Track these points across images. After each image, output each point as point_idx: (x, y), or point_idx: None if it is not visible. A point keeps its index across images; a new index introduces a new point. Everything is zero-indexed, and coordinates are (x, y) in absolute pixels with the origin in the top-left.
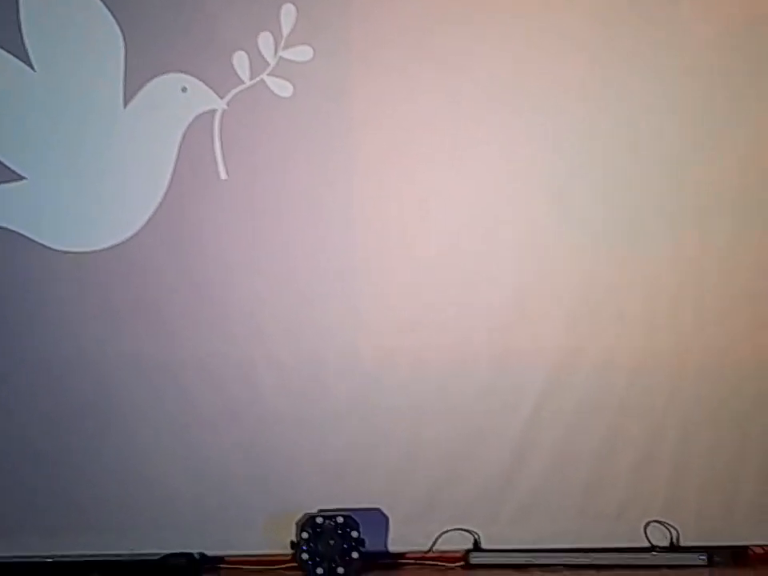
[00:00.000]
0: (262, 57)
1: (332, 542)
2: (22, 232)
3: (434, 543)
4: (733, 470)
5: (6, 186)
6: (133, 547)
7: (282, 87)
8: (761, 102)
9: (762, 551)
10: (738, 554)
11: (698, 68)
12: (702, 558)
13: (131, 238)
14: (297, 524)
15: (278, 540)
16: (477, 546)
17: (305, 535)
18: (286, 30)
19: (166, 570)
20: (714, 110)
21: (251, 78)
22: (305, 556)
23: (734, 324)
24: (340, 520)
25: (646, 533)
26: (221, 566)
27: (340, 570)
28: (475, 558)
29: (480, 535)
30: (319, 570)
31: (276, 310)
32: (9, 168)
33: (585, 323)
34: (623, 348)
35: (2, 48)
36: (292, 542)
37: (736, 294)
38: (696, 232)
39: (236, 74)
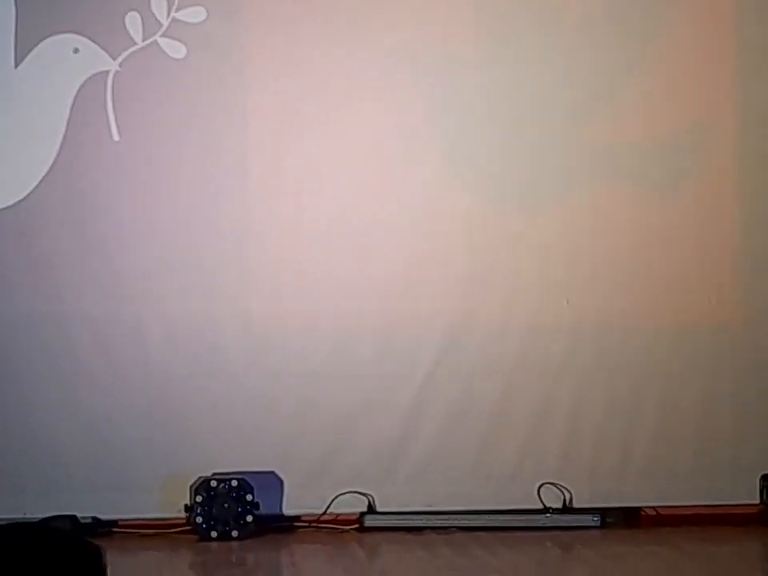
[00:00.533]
0: (155, 18)
1: (226, 505)
2: None
3: (329, 506)
4: (626, 432)
5: None
6: (25, 511)
7: (175, 48)
8: (659, 62)
9: (655, 513)
10: (630, 516)
11: (593, 30)
12: (596, 520)
13: (24, 198)
14: (191, 487)
15: (172, 503)
16: (371, 509)
17: (199, 499)
18: None
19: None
20: (608, 70)
21: (144, 39)
22: (199, 519)
23: (628, 285)
24: (234, 483)
25: (539, 495)
26: (114, 529)
27: (234, 533)
28: (370, 521)
29: (374, 498)
30: (213, 534)
31: (169, 272)
32: None
33: (478, 286)
34: (517, 310)
35: None
36: (186, 506)
37: (631, 257)
38: (591, 194)
39: (129, 34)
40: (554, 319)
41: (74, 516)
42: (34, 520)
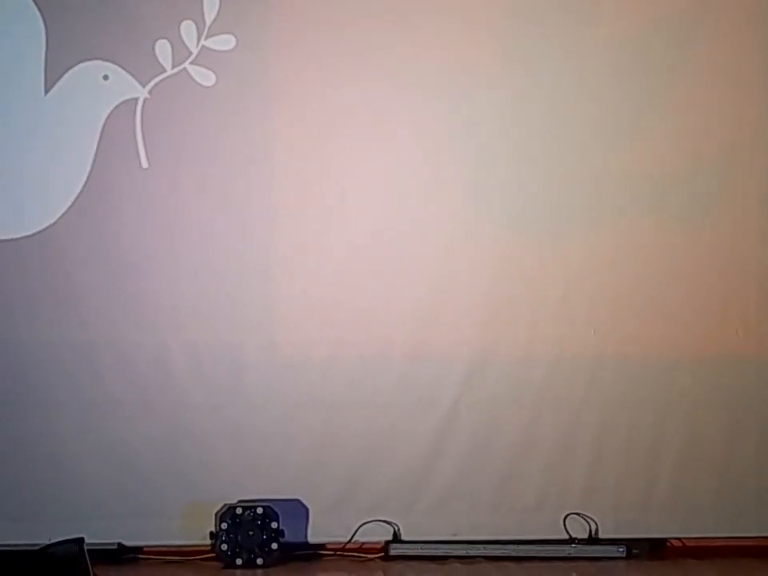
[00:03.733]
0: (185, 45)
1: (251, 532)
2: None
3: (354, 534)
4: (650, 462)
5: None
6: (50, 537)
7: (204, 76)
8: (684, 94)
9: (680, 544)
10: (656, 547)
11: (617, 60)
12: (621, 551)
13: (52, 225)
14: (216, 514)
15: (197, 530)
16: (396, 538)
17: (224, 526)
18: (208, 19)
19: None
20: (633, 101)
21: (173, 67)
22: (224, 547)
23: (652, 317)
24: (259, 511)
25: (565, 525)
26: (140, 556)
27: (259, 560)
28: (395, 550)
29: (399, 526)
30: (238, 561)
31: (194, 300)
32: None
33: (502, 317)
34: (540, 341)
35: None
36: (211, 533)
37: (653, 289)
38: (616, 225)
39: (158, 62)
40: (577, 350)
41: (81, 539)
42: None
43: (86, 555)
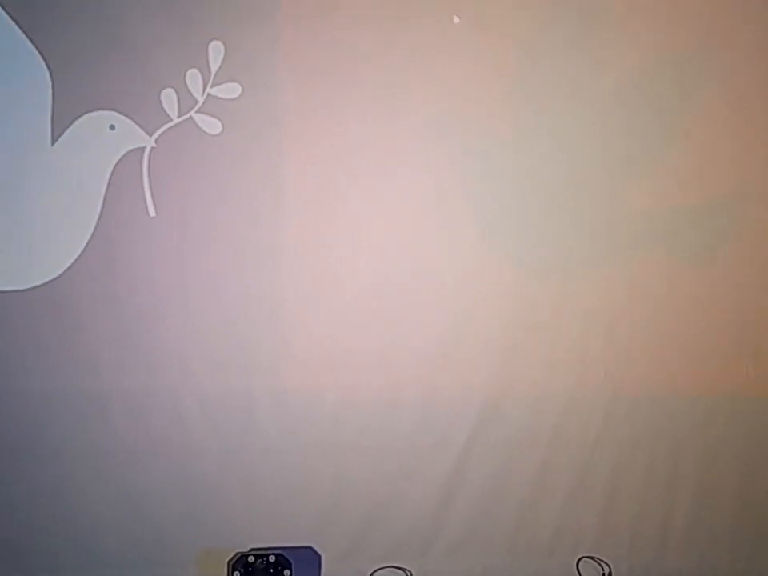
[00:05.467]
0: (191, 94)
1: None
2: None
3: None
4: (665, 504)
5: None
6: None
7: (210, 124)
8: (695, 129)
9: None
10: None
11: (628, 99)
12: None
13: (60, 275)
14: (228, 563)
15: None
16: None
17: (237, 574)
18: (214, 67)
19: None
20: (643, 138)
21: (179, 116)
22: None
23: (665, 355)
24: (272, 559)
25: (578, 569)
26: None
27: None
28: None
29: (412, 573)
30: None
31: (204, 346)
32: None
33: (515, 358)
34: (554, 382)
35: None
36: None
37: (669, 327)
38: (627, 263)
39: (164, 111)
40: (591, 391)
41: None
42: None
43: None
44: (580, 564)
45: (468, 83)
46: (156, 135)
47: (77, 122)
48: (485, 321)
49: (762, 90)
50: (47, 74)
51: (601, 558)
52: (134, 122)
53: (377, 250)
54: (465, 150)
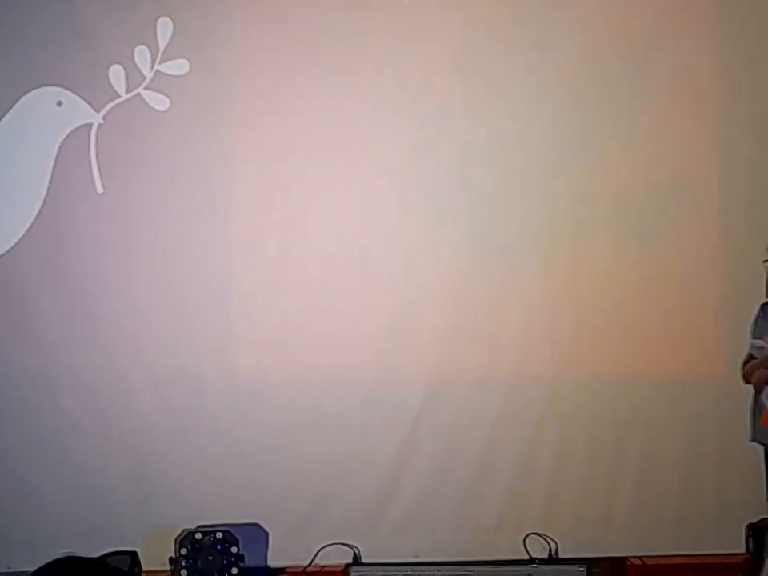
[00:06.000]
0: (139, 70)
1: (211, 557)
2: None
3: (314, 558)
4: (610, 482)
5: None
6: (9, 565)
7: (158, 101)
8: (641, 114)
9: (640, 562)
10: (616, 565)
11: (576, 85)
12: (581, 570)
13: (7, 252)
14: (176, 540)
15: (157, 556)
16: (356, 560)
17: (184, 551)
18: (162, 44)
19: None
20: (590, 122)
21: (127, 92)
22: (184, 572)
23: (610, 336)
24: (219, 536)
25: (525, 545)
26: None
27: None
28: (355, 572)
29: (360, 549)
30: None
31: (153, 324)
32: None
33: (462, 339)
34: (499, 362)
35: None
36: (171, 559)
37: (611, 307)
38: (573, 245)
39: (112, 87)
40: (536, 370)
41: (135, 552)
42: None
43: (141, 567)
44: (527, 540)
45: (418, 62)
46: (104, 112)
47: (23, 99)
48: (432, 302)
49: (709, 78)
50: None
51: (547, 534)
52: (82, 98)
53: (326, 231)
54: (413, 133)
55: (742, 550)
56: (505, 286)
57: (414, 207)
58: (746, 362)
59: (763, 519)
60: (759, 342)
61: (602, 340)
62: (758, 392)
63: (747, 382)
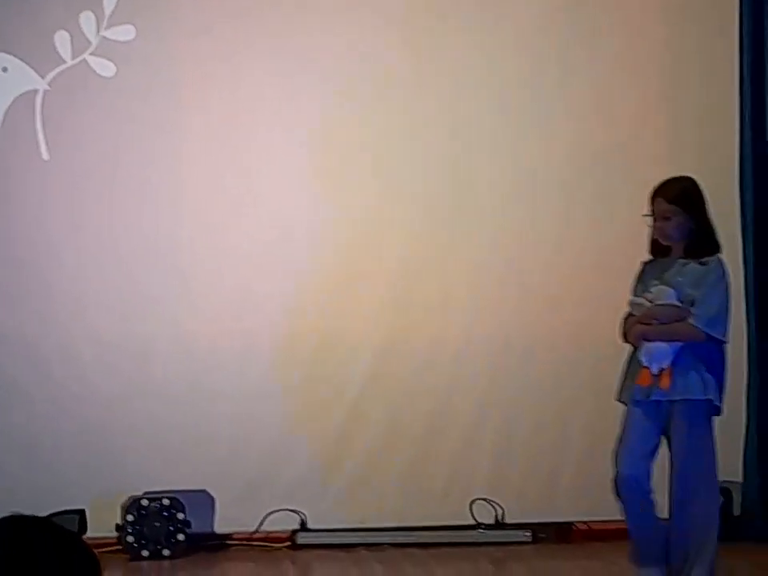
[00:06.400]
0: (84, 36)
1: (157, 524)
2: None
3: (261, 524)
4: (556, 448)
5: None
6: None
7: (104, 67)
8: (588, 93)
9: (586, 527)
10: (561, 531)
11: (526, 41)
12: (527, 535)
13: None
14: (122, 507)
15: (103, 523)
16: (303, 527)
17: (130, 518)
18: (108, 10)
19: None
20: (540, 95)
21: (73, 58)
22: (130, 539)
23: (559, 304)
24: (166, 502)
25: (471, 511)
26: None
27: (166, 552)
28: (302, 538)
29: (307, 515)
30: (144, 553)
31: (100, 291)
32: None
33: (410, 306)
34: (448, 331)
35: None
36: (117, 525)
37: (561, 279)
38: (520, 216)
39: (57, 53)
40: (484, 337)
41: (83, 510)
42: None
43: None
44: (473, 506)
45: (367, 29)
46: (49, 78)
47: None
48: (379, 269)
49: (656, 51)
50: None
51: (494, 500)
52: (27, 64)
53: (276, 198)
54: (359, 100)
55: None
56: (454, 253)
57: (364, 175)
58: (625, 320)
59: None
60: (638, 300)
61: (551, 309)
62: (636, 349)
63: (626, 340)
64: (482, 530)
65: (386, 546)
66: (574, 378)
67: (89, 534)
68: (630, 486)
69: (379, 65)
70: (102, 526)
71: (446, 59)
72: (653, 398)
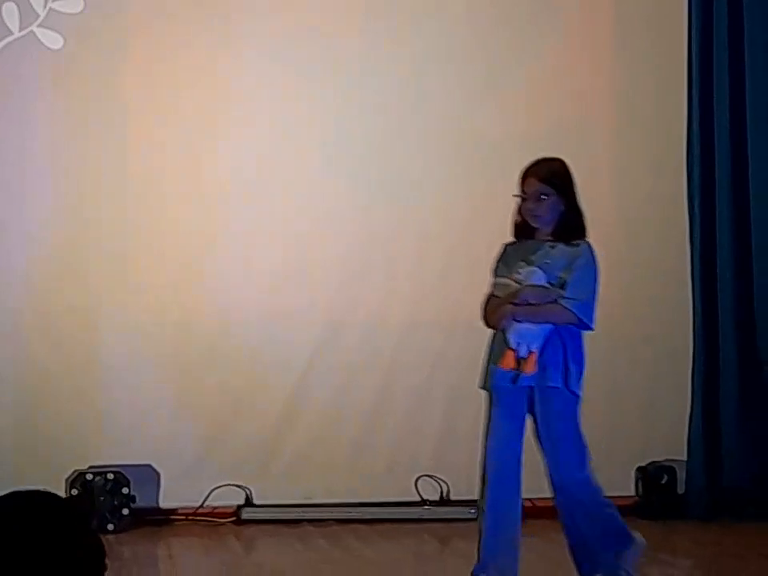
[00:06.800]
0: (32, 7)
1: (102, 498)
2: None
3: (206, 499)
4: None
5: None
6: None
7: (52, 39)
8: (541, 57)
9: (531, 504)
10: None
11: (479, 16)
12: (472, 512)
13: None
14: (66, 481)
15: None
16: (248, 502)
17: (74, 492)
18: None
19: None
20: (494, 62)
21: (21, 29)
22: None
23: None
24: (110, 477)
25: (416, 487)
26: None
27: (110, 526)
28: (247, 514)
29: (252, 491)
30: None
31: (46, 263)
32: None
33: (357, 282)
34: (393, 308)
35: None
36: None
37: None
38: (468, 190)
39: (5, 24)
40: (430, 314)
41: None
42: None
43: None
44: (419, 482)
45: (315, 4)
46: None
47: None
48: (327, 244)
49: (608, 22)
50: None
51: (438, 476)
52: None
53: (221, 170)
54: (309, 71)
55: (632, 492)
56: (399, 230)
57: (309, 150)
58: (487, 302)
59: (652, 462)
60: (504, 280)
61: None
62: (503, 330)
63: (488, 324)
64: (427, 507)
65: (331, 521)
66: None
67: None
68: (498, 478)
69: (332, 37)
70: None
71: (402, 30)
72: (519, 383)
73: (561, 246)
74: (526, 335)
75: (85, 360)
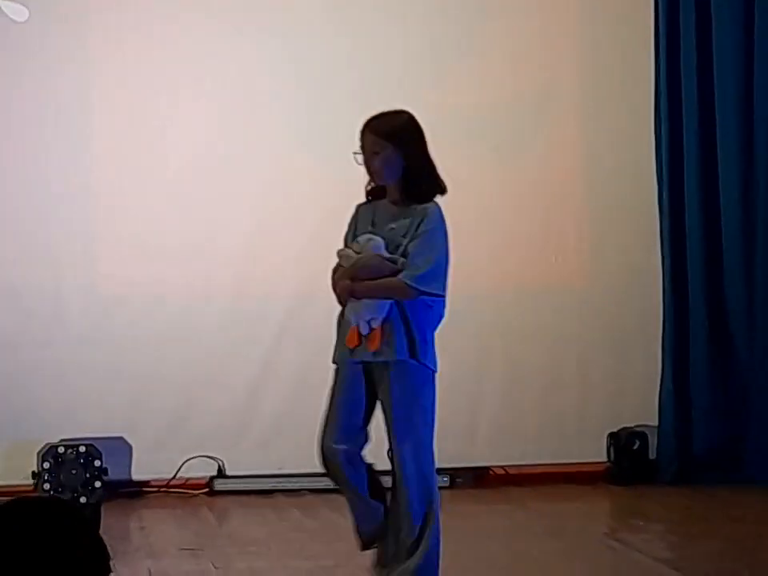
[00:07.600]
0: None
1: (74, 471)
2: None
3: (178, 471)
4: (474, 394)
5: None
6: None
7: (17, 11)
8: (503, 33)
9: (503, 472)
10: (479, 476)
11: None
12: (445, 480)
13: None
14: (38, 454)
15: (18, 470)
16: (221, 473)
17: (46, 465)
18: None
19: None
20: (450, 34)
21: None
22: (46, 486)
23: (470, 247)
24: (82, 449)
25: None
26: None
27: (83, 499)
28: (219, 485)
29: (224, 462)
30: None
31: (11, 238)
32: None
33: (324, 253)
34: None
35: None
36: (33, 473)
37: (475, 218)
38: (437, 155)
39: None
40: None
41: None
42: None
43: None
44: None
45: None
46: None
47: None
48: (295, 217)
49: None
50: None
51: None
52: None
53: (187, 143)
54: (274, 42)
55: (604, 458)
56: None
57: (273, 126)
58: (334, 273)
59: (624, 428)
60: (345, 251)
61: (465, 253)
62: (342, 305)
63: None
64: None
65: (304, 491)
66: (491, 326)
67: (4, 481)
68: (338, 461)
69: (290, 21)
70: (17, 473)
71: (355, 6)
72: (361, 359)
73: (408, 209)
74: (365, 311)
75: (54, 334)
